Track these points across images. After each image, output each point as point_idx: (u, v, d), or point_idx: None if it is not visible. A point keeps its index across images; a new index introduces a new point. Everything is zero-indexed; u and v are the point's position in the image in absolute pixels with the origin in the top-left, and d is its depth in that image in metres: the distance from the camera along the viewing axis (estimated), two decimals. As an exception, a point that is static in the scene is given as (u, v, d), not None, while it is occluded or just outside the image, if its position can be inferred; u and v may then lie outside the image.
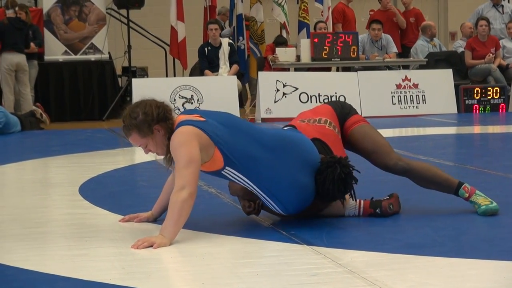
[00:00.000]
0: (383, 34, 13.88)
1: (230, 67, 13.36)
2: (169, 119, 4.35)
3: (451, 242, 4.14)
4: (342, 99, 12.59)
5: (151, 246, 4.05)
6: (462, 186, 4.82)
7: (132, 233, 4.44)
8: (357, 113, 5.04)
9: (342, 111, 4.98)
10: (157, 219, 4.70)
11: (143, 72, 15.93)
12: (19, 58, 12.83)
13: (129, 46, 13.91)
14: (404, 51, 14.70)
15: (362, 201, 4.78)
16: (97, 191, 6.01)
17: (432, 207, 5.08)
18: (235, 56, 13.53)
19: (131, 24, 14.18)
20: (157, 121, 4.32)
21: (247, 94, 15.19)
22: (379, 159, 4.90)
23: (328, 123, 4.83)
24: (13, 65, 12.76)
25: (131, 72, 14.02)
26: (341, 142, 4.87)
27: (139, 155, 7.84)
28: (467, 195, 4.81)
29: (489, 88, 13.10)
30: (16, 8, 12.86)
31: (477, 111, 12.98)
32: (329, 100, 12.52)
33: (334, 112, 4.93)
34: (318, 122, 4.84)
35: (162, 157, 4.45)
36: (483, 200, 4.79)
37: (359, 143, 4.94)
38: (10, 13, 12.81)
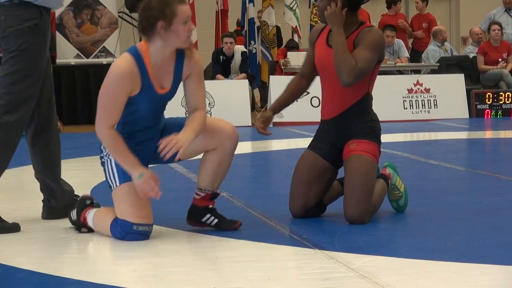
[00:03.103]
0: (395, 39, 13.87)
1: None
2: None
3: (463, 247, 4.13)
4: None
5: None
6: None
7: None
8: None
9: None
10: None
11: (154, 76, 15.91)
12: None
13: (141, 50, 13.91)
14: (416, 56, 14.67)
15: None
16: (109, 194, 6.01)
17: (443, 211, 5.07)
18: (246, 66, 13.48)
19: (143, 27, 14.17)
20: None
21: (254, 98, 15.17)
22: (344, 202, 4.71)
23: None
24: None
25: (142, 75, 14.00)
26: None
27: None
28: None
29: (501, 93, 13.06)
30: None
31: (489, 116, 12.94)
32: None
33: None
34: None
35: None
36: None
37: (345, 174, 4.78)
38: None
